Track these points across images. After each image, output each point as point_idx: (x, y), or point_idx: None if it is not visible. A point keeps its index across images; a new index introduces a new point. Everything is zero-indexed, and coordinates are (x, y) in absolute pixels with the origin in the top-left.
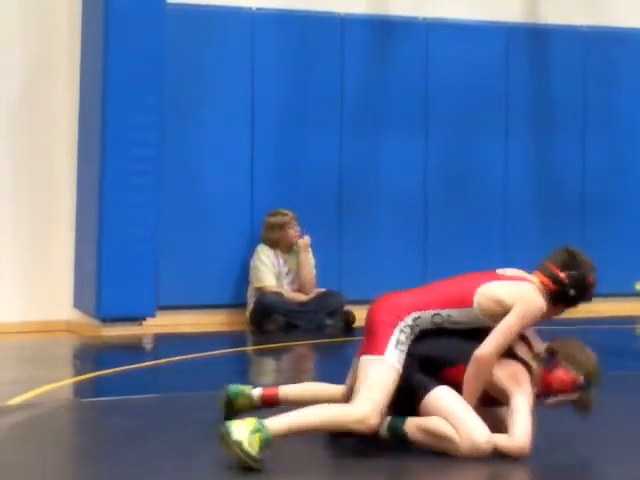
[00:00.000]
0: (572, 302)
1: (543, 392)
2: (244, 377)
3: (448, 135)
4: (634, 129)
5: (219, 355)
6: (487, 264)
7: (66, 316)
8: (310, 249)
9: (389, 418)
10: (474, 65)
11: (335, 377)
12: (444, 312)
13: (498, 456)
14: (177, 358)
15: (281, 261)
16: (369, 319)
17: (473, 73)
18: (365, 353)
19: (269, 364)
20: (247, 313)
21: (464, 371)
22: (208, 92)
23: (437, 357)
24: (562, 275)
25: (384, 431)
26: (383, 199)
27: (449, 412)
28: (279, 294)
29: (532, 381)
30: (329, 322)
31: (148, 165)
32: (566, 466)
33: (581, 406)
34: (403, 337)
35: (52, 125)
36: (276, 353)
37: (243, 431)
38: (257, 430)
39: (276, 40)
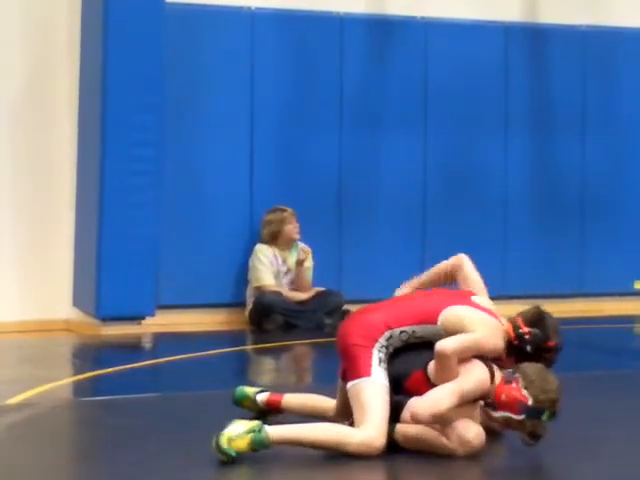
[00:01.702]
0: (524, 358)
1: (492, 402)
2: (243, 376)
3: (447, 135)
4: (634, 129)
5: (218, 354)
6: (487, 264)
7: (65, 315)
8: (310, 256)
9: None
10: (473, 65)
11: (334, 377)
12: (409, 329)
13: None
14: (176, 357)
15: (280, 260)
16: (343, 343)
17: (472, 73)
18: (352, 379)
19: (268, 363)
20: (246, 312)
21: (420, 376)
22: (208, 92)
23: (394, 376)
24: (525, 330)
25: None
26: (382, 199)
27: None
28: (278, 293)
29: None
30: (328, 321)
31: (148, 165)
32: (566, 467)
33: (525, 433)
34: (382, 355)
35: (52, 125)
36: (275, 352)
37: (237, 428)
38: (252, 431)
39: (275, 40)
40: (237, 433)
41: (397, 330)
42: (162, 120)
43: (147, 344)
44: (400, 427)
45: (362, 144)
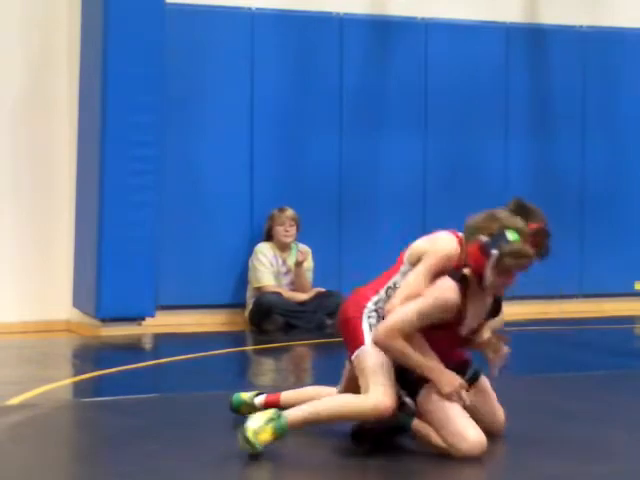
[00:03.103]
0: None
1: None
2: (243, 377)
3: (447, 135)
4: (634, 129)
5: (218, 355)
6: None
7: (65, 316)
8: (309, 256)
9: (399, 414)
10: (473, 65)
11: (334, 377)
12: (390, 282)
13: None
14: (176, 358)
15: (280, 260)
16: (338, 323)
17: (472, 73)
18: (351, 353)
19: (268, 364)
20: (246, 313)
21: None
22: (208, 92)
23: None
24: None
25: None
26: (382, 199)
27: (438, 414)
28: (278, 294)
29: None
30: (328, 322)
31: (148, 165)
32: (566, 467)
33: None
34: (373, 321)
35: (52, 125)
36: (275, 353)
37: (257, 420)
38: (272, 419)
39: (275, 40)
40: (259, 426)
41: (382, 290)
42: (162, 120)
43: (147, 345)
44: (415, 424)
45: (362, 144)
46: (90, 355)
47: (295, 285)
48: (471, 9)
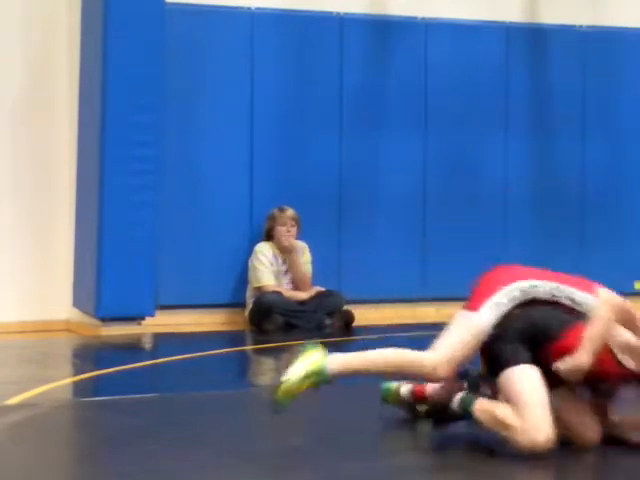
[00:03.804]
0: None
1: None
2: (243, 377)
3: (447, 135)
4: (634, 129)
5: (218, 355)
6: (487, 263)
7: (65, 315)
8: (306, 251)
9: (461, 394)
10: (473, 65)
11: None
12: (566, 289)
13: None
14: (176, 358)
15: (279, 260)
16: (484, 276)
17: (472, 73)
18: (464, 307)
19: (268, 363)
20: (246, 313)
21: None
22: (207, 92)
23: (542, 329)
24: None
25: (455, 405)
26: (383, 198)
27: (520, 396)
28: (278, 293)
29: None
30: (328, 322)
31: (148, 165)
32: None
33: None
34: (505, 300)
35: (52, 125)
36: (275, 353)
37: (299, 371)
38: (312, 375)
39: (275, 40)
40: (295, 379)
41: (550, 284)
42: (162, 120)
43: (147, 344)
44: (482, 401)
45: (362, 144)
46: (90, 355)
47: (292, 278)
48: (471, 9)
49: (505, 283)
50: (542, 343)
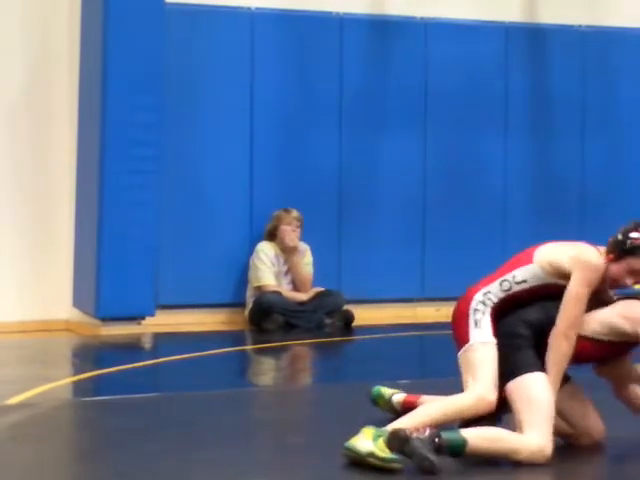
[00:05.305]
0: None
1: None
2: (243, 376)
3: (447, 135)
4: (634, 129)
5: (218, 354)
6: (486, 263)
7: (65, 315)
8: (308, 252)
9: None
10: (473, 65)
11: (334, 376)
12: (508, 275)
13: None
14: (176, 357)
15: (281, 260)
16: (451, 321)
17: (472, 73)
18: (458, 350)
19: (268, 363)
20: (246, 312)
21: None
22: (207, 92)
23: (534, 322)
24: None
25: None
26: (382, 199)
27: (528, 402)
28: (278, 293)
29: None
30: (328, 321)
31: (148, 165)
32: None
33: None
34: (479, 315)
35: (52, 125)
36: (275, 352)
37: (367, 442)
38: (379, 436)
39: (275, 40)
40: (373, 445)
41: (497, 282)
42: (162, 120)
43: (147, 344)
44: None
45: (362, 144)
46: (90, 354)
47: (293, 279)
48: (471, 9)
49: (467, 306)
50: (546, 334)
